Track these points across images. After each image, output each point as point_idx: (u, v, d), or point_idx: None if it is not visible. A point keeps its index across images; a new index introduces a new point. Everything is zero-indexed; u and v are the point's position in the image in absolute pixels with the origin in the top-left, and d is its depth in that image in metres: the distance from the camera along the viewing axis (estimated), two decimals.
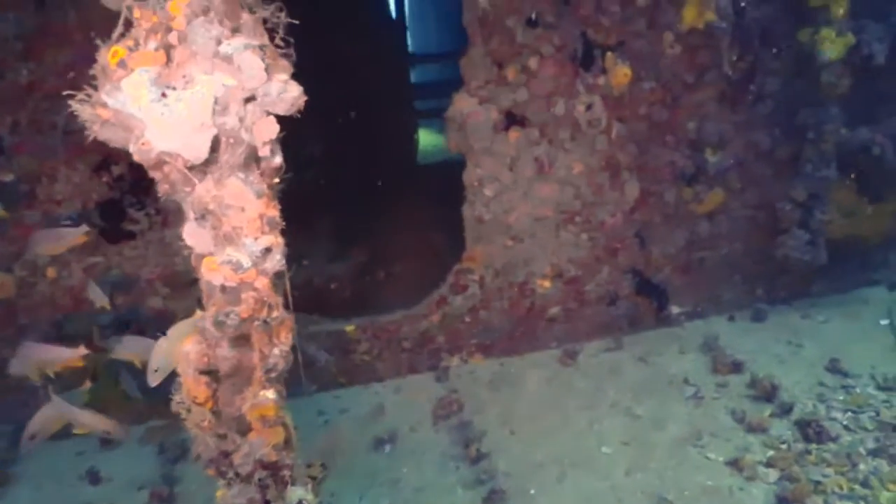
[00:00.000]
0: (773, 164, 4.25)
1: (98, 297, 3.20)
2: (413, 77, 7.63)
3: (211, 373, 1.90)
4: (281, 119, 1.72)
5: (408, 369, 4.08)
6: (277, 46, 1.81)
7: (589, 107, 3.82)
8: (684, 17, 3.85)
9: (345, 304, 4.40)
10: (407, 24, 6.54)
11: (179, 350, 1.90)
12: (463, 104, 3.71)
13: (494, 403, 3.81)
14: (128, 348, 2.86)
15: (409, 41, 8.11)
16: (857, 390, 3.70)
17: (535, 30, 3.71)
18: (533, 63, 3.75)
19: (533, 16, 3.70)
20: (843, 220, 4.22)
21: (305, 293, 4.21)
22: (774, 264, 4.34)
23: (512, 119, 3.82)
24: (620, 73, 3.81)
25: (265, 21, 1.82)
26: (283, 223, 1.80)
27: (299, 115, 1.77)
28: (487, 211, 3.91)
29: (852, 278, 4.64)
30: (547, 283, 4.13)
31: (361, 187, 5.44)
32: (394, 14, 6.34)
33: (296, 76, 1.66)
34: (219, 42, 1.67)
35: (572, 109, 3.83)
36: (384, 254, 4.88)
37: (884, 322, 4.28)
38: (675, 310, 4.40)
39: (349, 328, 3.92)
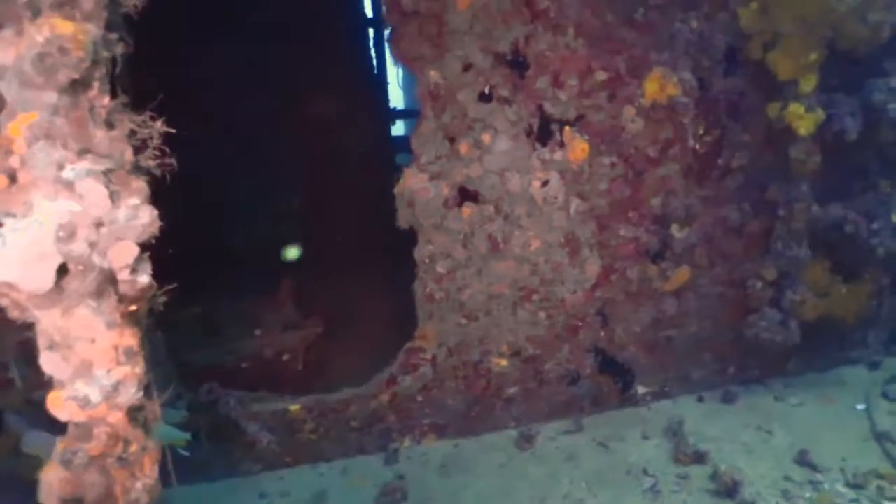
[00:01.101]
0: (743, 240, 4.08)
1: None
2: (399, 132, 7.56)
3: (77, 501, 1.75)
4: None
5: (356, 450, 3.91)
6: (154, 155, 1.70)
7: (545, 182, 3.68)
8: (646, 91, 3.72)
9: (297, 377, 4.25)
10: (388, 81, 6.46)
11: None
12: (411, 180, 3.58)
13: (442, 491, 3.63)
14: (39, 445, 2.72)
15: (400, 97, 8.10)
16: (826, 486, 3.50)
17: (488, 104, 3.59)
18: (486, 138, 3.62)
19: (486, 90, 3.58)
20: (817, 300, 4.03)
21: (255, 365, 4.09)
22: (746, 343, 4.15)
23: (465, 195, 3.69)
24: (578, 147, 3.68)
25: (134, 132, 1.71)
26: (141, 352, 1.67)
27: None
28: (439, 288, 3.77)
29: (830, 357, 4.45)
30: (504, 362, 3.97)
31: (335, 245, 5.32)
32: (375, 72, 6.26)
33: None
34: (61, 167, 1.55)
35: (528, 185, 3.69)
36: (345, 322, 4.72)
37: (860, 407, 4.08)
38: (640, 389, 4.22)
39: (293, 408, 3.77)
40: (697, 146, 3.90)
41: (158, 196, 1.69)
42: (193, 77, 4.60)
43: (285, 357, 4.24)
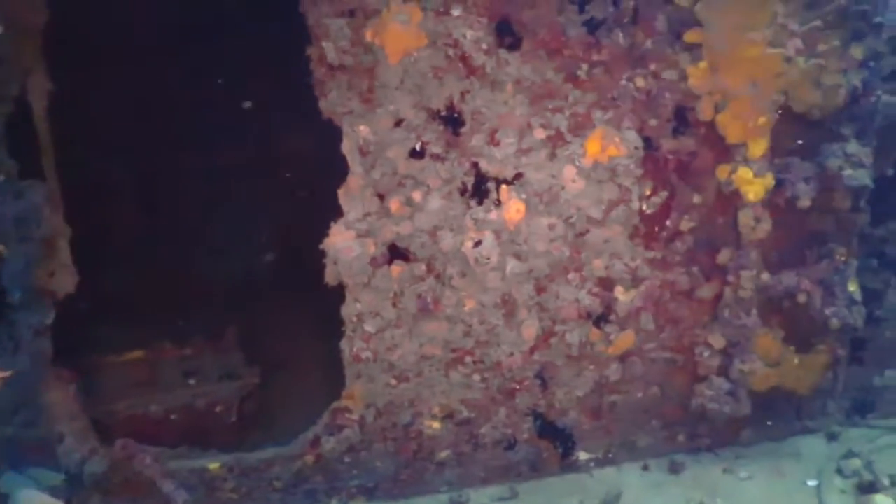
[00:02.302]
0: (693, 305, 3.91)
1: None
2: None
3: None
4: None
5: None
6: None
7: (478, 243, 3.54)
8: (588, 151, 3.58)
9: (229, 430, 4.14)
10: None
11: None
12: (338, 238, 3.46)
13: None
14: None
15: None
16: None
17: (420, 160, 3.46)
18: (417, 195, 3.49)
19: (418, 146, 3.45)
20: (768, 370, 3.85)
21: (186, 417, 3.98)
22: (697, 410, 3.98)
23: (395, 253, 3.55)
24: (514, 207, 3.54)
25: None
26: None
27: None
28: (367, 348, 3.63)
29: (787, 426, 4.25)
30: (436, 425, 3.83)
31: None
32: None
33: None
34: None
35: (461, 244, 3.55)
36: (294, 371, 4.62)
37: (812, 483, 3.89)
38: (583, 456, 4.05)
39: (213, 466, 3.64)
40: (644, 207, 3.73)
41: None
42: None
43: (218, 409, 4.11)
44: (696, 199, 3.77)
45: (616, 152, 3.57)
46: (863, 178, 3.63)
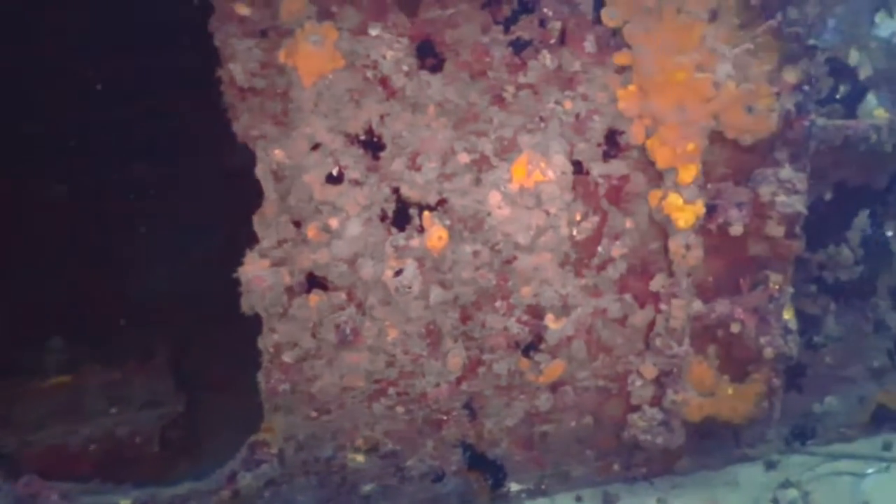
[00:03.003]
0: (625, 333, 3.80)
1: None
2: None
3: None
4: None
5: None
6: None
7: (399, 271, 3.41)
8: (514, 175, 3.46)
9: (151, 462, 3.98)
10: None
11: None
12: (251, 266, 3.31)
13: None
14: None
15: None
16: None
17: (338, 186, 3.33)
18: (335, 222, 3.36)
19: (335, 171, 3.32)
20: (702, 400, 3.75)
21: (106, 447, 3.82)
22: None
23: (313, 282, 3.42)
24: (436, 234, 3.41)
25: None
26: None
27: None
28: (285, 379, 3.49)
29: (724, 454, 4.17)
30: (360, 458, 3.70)
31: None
32: None
33: None
34: None
35: (381, 273, 3.42)
36: (219, 397, 4.46)
37: None
38: (514, 487, 3.94)
39: (124, 502, 3.49)
40: (575, 233, 3.62)
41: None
42: None
43: (137, 439, 3.95)
44: (629, 224, 3.66)
45: (543, 177, 3.45)
46: (796, 204, 3.54)
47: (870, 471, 4.10)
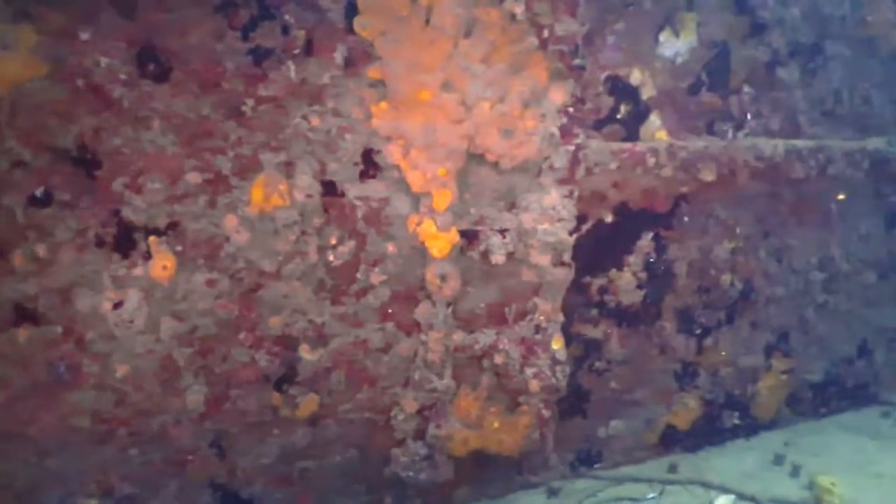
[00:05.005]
0: (389, 363, 3.57)
1: None
2: None
3: None
4: None
5: None
6: None
7: (119, 303, 3.07)
8: (252, 199, 3.16)
9: None
10: None
11: None
12: None
13: None
14: None
15: None
16: None
17: (45, 208, 2.95)
18: (43, 250, 2.98)
19: (40, 192, 2.94)
20: (467, 433, 3.57)
21: None
22: None
23: (22, 315, 3.04)
24: (160, 263, 3.08)
25: None
26: None
27: None
28: None
29: (505, 482, 4.02)
30: (93, 503, 3.35)
31: None
32: None
33: None
34: None
35: (100, 305, 3.07)
36: None
37: None
38: None
39: None
40: (331, 258, 3.35)
41: None
42: None
43: None
44: (392, 248, 3.42)
45: (286, 200, 3.15)
46: (559, 232, 3.37)
47: (650, 495, 4.02)
